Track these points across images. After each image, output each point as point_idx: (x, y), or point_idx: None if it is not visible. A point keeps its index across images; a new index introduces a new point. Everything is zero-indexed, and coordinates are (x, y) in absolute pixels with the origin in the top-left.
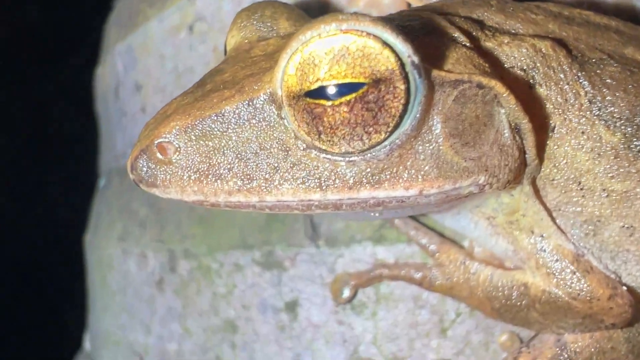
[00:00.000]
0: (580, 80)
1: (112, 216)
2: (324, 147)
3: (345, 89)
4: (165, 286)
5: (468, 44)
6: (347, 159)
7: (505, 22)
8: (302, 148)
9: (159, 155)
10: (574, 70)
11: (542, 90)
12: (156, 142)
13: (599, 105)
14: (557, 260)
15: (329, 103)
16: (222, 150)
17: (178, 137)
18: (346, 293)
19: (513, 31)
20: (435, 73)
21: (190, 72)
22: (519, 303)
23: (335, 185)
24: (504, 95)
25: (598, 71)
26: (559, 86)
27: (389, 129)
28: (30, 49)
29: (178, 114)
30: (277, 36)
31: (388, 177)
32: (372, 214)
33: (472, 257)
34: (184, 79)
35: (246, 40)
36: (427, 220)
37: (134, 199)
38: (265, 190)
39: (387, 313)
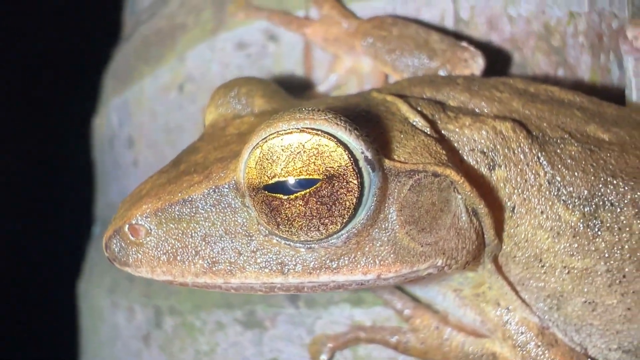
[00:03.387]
0: (540, 161)
1: (103, 267)
2: (284, 236)
3: (300, 184)
4: (152, 341)
5: (427, 130)
6: (306, 246)
7: (470, 101)
8: (264, 234)
9: (130, 236)
10: (534, 151)
11: (501, 172)
12: (128, 224)
13: (558, 185)
14: (522, 333)
15: (285, 197)
16: (190, 233)
17: (149, 220)
18: (324, 355)
19: (477, 110)
20: (390, 164)
21: (180, 130)
22: None
23: (296, 270)
24: (460, 182)
25: (558, 151)
26: (519, 167)
27: (344, 220)
28: (32, 93)
29: (150, 197)
30: (252, 114)
31: (346, 262)
32: None
33: (445, 322)
34: (174, 136)
35: (222, 117)
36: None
37: None
38: (229, 273)
39: None
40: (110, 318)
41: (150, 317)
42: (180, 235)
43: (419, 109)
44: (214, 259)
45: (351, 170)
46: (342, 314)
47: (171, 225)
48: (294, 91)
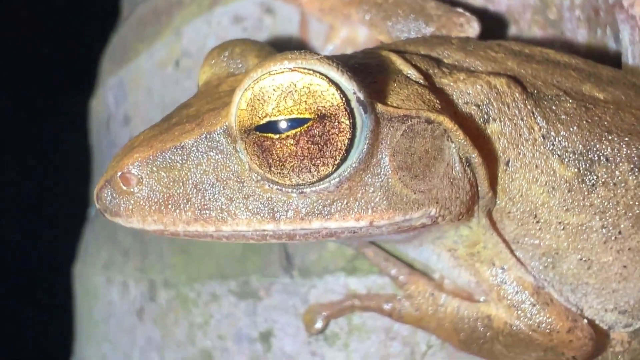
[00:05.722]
0: (535, 116)
1: (99, 244)
2: (275, 179)
3: (292, 124)
4: (145, 316)
5: (421, 81)
6: (298, 190)
7: (465, 60)
8: (256, 180)
9: (122, 186)
10: (529, 107)
11: (496, 126)
12: (119, 173)
13: (553, 140)
14: (517, 293)
15: (277, 136)
16: (181, 181)
17: (140, 168)
18: (319, 324)
19: (472, 68)
20: (382, 108)
21: (176, 105)
22: (483, 335)
23: (288, 216)
24: (453, 130)
25: (553, 107)
26: (513, 122)
27: (336, 162)
28: (35, 80)
29: (141, 147)
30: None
31: (339, 208)
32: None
33: (441, 289)
34: (170, 111)
35: (216, 76)
36: (397, 252)
37: (119, 228)
38: (221, 220)
39: (359, 344)
40: (105, 295)
41: (144, 292)
42: (171, 183)
43: (413, 62)
44: (206, 206)
45: (343, 110)
46: (337, 283)
47: (163, 173)
48: None
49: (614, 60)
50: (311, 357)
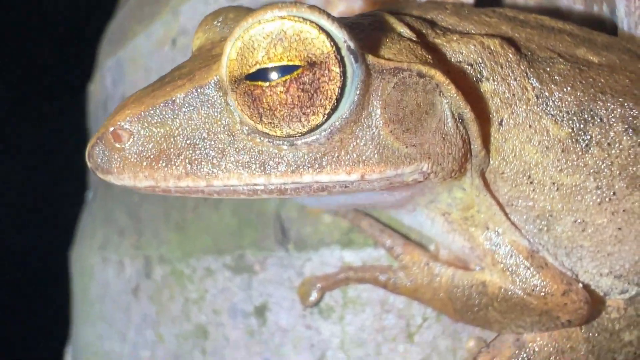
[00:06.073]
0: (528, 76)
1: (95, 226)
2: (266, 131)
3: (282, 72)
4: (141, 293)
5: (414, 38)
6: (289, 143)
7: (459, 24)
8: (246, 133)
9: (113, 142)
10: (522, 67)
11: (489, 85)
12: (111, 129)
13: (547, 100)
14: (511, 256)
15: (267, 84)
16: (173, 136)
17: (131, 124)
18: (313, 296)
19: (465, 31)
20: (373, 60)
21: None
22: (478, 302)
23: (279, 170)
24: (445, 84)
25: (547, 68)
26: (506, 81)
27: (326, 112)
28: (29, 66)
29: (133, 104)
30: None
31: (330, 161)
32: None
33: (436, 259)
34: None
35: (209, 41)
36: (393, 223)
37: (116, 209)
38: (212, 174)
39: (354, 317)
40: (100, 275)
41: (139, 269)
42: (163, 138)
43: (406, 22)
44: (197, 161)
45: (333, 58)
46: (332, 256)
47: (154, 128)
48: None
49: (609, 33)
50: (306, 330)
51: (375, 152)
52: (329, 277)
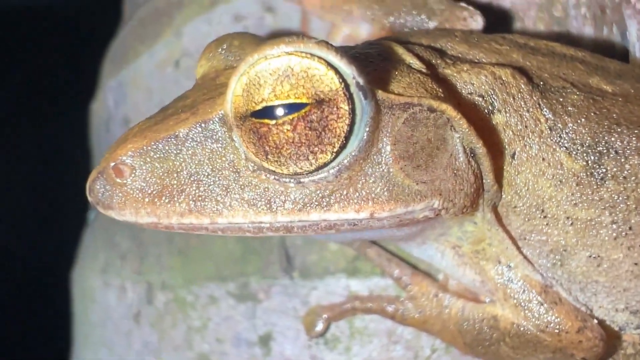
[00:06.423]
0: (541, 107)
1: (97, 248)
2: (272, 168)
3: (289, 109)
4: (142, 319)
5: (424, 70)
6: (296, 180)
7: (468, 52)
8: (252, 170)
9: (115, 177)
10: (535, 98)
11: (501, 117)
12: (112, 164)
13: (560, 132)
14: (524, 291)
15: (273, 122)
16: (176, 172)
17: (133, 158)
18: (319, 326)
19: (475, 60)
20: (383, 95)
21: None
22: (489, 337)
23: (285, 208)
24: (456, 119)
25: (560, 99)
26: (519, 113)
27: (335, 150)
28: (31, 86)
29: (135, 137)
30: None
31: (338, 199)
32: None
33: (445, 290)
34: None
35: (213, 69)
36: (400, 252)
37: (118, 232)
38: (216, 212)
39: (361, 348)
40: (102, 299)
41: (141, 294)
42: (165, 174)
43: (415, 52)
44: (200, 198)
45: (342, 95)
46: (338, 285)
47: (156, 163)
48: None
49: (620, 57)
50: None
51: (385, 189)
52: (335, 307)
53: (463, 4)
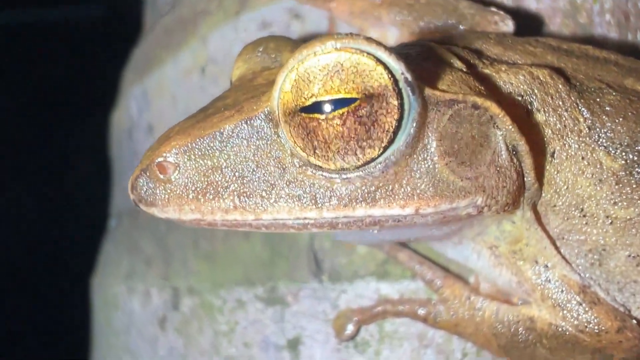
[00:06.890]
0: (579, 107)
1: (120, 254)
2: (319, 164)
3: (339, 104)
4: (168, 324)
5: (465, 69)
6: (342, 176)
7: (504, 54)
8: (298, 165)
9: (159, 174)
10: (572, 98)
11: (540, 116)
12: (156, 161)
13: (599, 131)
14: (562, 292)
15: (323, 117)
16: (220, 168)
17: (177, 156)
18: (349, 330)
19: (511, 61)
20: (429, 92)
21: None
22: (525, 339)
23: (331, 203)
24: (500, 116)
25: (597, 99)
26: (557, 112)
27: (383, 145)
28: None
29: (179, 135)
30: (280, 66)
31: (384, 195)
32: (371, 231)
33: (477, 293)
34: None
35: (250, 71)
36: (431, 254)
37: (142, 237)
38: (261, 208)
39: (391, 352)
40: (125, 305)
41: (167, 300)
42: (210, 170)
43: (454, 52)
44: (246, 194)
45: (391, 90)
46: (367, 288)
47: (201, 160)
48: None
49: None
50: None
51: (430, 185)
52: (365, 310)
53: (494, 8)
